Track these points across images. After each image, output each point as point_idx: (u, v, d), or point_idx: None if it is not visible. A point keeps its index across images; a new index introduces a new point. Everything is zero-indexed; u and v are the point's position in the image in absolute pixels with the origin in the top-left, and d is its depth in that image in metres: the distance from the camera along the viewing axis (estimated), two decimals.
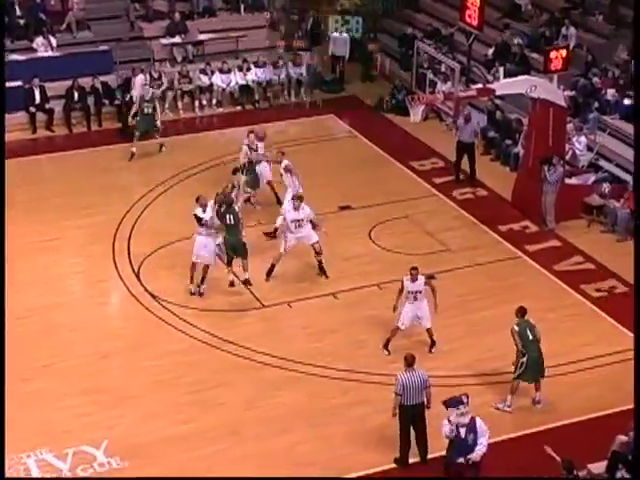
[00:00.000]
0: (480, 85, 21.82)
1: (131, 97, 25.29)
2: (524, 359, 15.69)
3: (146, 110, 23.81)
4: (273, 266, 19.16)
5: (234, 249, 18.44)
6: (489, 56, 26.79)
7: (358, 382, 16.54)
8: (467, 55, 26.49)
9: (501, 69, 25.67)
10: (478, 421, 13.83)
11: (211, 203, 18.50)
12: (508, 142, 24.21)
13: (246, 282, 18.56)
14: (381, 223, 21.23)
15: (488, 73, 26.10)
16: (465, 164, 23.23)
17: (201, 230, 18.50)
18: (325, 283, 19.28)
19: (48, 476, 14.70)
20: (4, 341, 16.15)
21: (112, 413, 15.80)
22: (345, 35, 28.59)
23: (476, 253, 20.34)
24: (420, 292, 17.02)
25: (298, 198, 19.11)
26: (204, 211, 18.44)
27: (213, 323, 17.97)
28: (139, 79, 25.52)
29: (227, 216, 18.16)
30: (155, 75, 26.28)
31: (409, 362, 14.63)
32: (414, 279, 16.98)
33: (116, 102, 25.90)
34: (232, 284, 18.68)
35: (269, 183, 21.49)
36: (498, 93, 22.03)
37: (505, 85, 21.83)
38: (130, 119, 24.30)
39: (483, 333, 17.75)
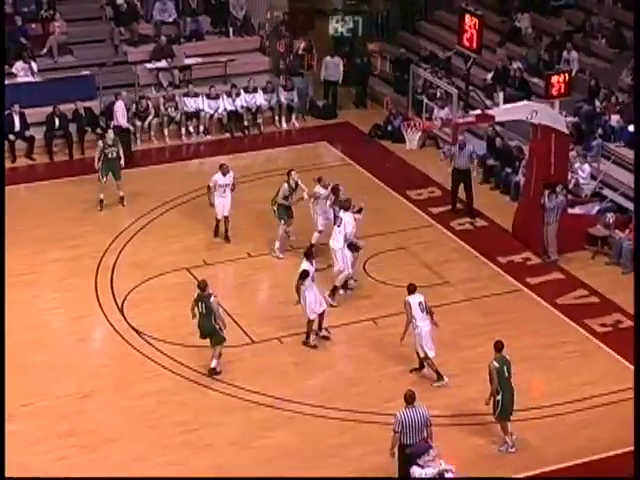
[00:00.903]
0: (479, 111, 21.92)
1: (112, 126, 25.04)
2: (499, 397, 15.67)
3: (110, 155, 22.88)
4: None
5: (206, 337, 17.73)
6: (488, 81, 26.92)
7: (354, 422, 16.50)
8: (465, 80, 26.63)
9: (501, 94, 25.80)
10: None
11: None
12: (508, 170, 24.26)
13: (212, 372, 17.53)
14: (376, 255, 21.25)
15: (487, 98, 26.23)
16: (462, 193, 23.27)
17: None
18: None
19: None
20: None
21: (93, 456, 15.71)
22: (338, 59, 28.72)
23: (475, 286, 20.36)
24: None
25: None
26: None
27: (201, 360, 17.91)
28: (119, 106, 25.50)
29: (199, 304, 17.44)
30: (142, 107, 26.29)
31: (409, 400, 14.64)
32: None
33: (98, 130, 25.89)
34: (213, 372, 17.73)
35: None
36: (498, 119, 22.12)
37: (505, 111, 21.92)
38: (95, 164, 23.04)
39: (478, 371, 17.66)
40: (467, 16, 25.42)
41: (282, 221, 21.05)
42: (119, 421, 16.50)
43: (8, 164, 25.24)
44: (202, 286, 17.48)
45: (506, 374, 15.68)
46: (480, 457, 15.82)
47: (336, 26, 30.32)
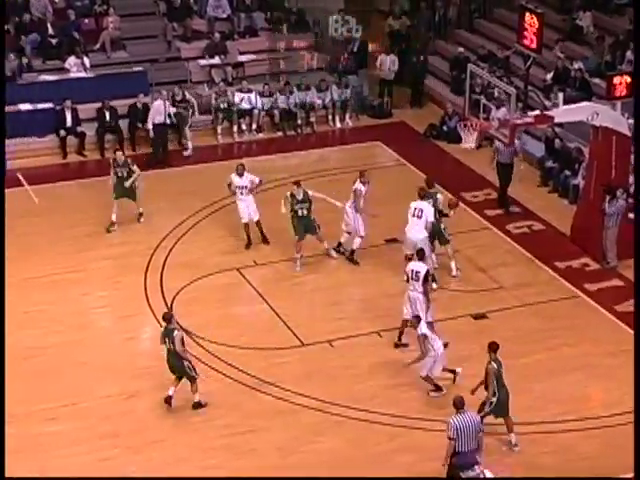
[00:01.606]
0: (538, 112, 21.56)
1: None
2: (494, 399, 15.56)
3: (120, 174, 22.00)
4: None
5: (173, 371, 17.03)
6: (548, 81, 26.55)
7: (404, 427, 16.25)
8: (524, 80, 26.23)
9: (560, 95, 25.33)
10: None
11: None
12: (567, 173, 23.92)
13: (196, 405, 16.66)
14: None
15: (546, 99, 25.83)
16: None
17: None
18: (369, 321, 19.06)
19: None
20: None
21: (136, 458, 15.61)
22: (393, 57, 28.49)
23: (531, 291, 20.02)
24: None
25: None
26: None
27: (249, 362, 17.76)
28: (157, 105, 25.21)
29: (167, 339, 16.61)
30: (178, 97, 25.94)
31: (458, 405, 14.44)
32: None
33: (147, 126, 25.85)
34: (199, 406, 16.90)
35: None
36: (557, 120, 21.79)
37: (565, 112, 21.54)
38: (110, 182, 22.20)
39: (533, 379, 17.40)
40: (527, 14, 25.02)
41: (296, 237, 20.60)
42: (164, 423, 16.38)
43: (59, 160, 25.23)
44: (167, 318, 16.58)
45: (502, 375, 15.60)
46: (535, 467, 15.50)
47: (392, 24, 30.12)
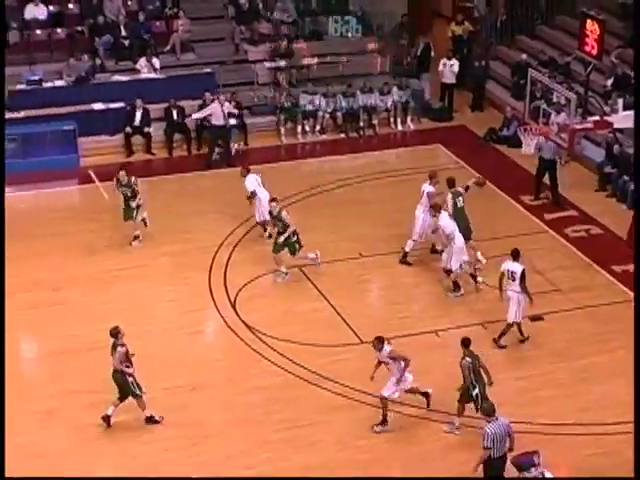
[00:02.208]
0: (597, 117, 21.32)
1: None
2: (476, 391, 15.60)
3: (123, 192, 20.98)
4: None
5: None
6: (608, 87, 26.23)
7: (459, 426, 16.15)
8: (584, 85, 25.95)
9: (620, 101, 25.01)
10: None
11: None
12: (626, 178, 23.61)
13: (149, 420, 16.18)
14: (488, 259, 20.80)
15: (606, 105, 25.52)
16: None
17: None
18: (426, 320, 18.98)
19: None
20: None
21: (198, 449, 15.67)
22: (454, 61, 28.35)
23: (588, 295, 19.79)
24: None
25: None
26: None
27: (310, 358, 17.76)
28: (215, 108, 24.90)
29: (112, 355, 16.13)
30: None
31: (489, 412, 14.33)
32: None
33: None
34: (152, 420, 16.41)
35: None
36: (616, 126, 21.50)
37: (624, 118, 21.25)
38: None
39: (590, 381, 17.22)
40: (588, 21, 24.75)
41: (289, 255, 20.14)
42: (225, 416, 16.42)
43: (122, 158, 25.35)
44: (113, 333, 15.94)
45: (478, 368, 15.65)
46: (590, 467, 15.30)
47: (455, 29, 29.97)
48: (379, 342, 16.09)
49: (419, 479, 15.23)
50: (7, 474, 13.93)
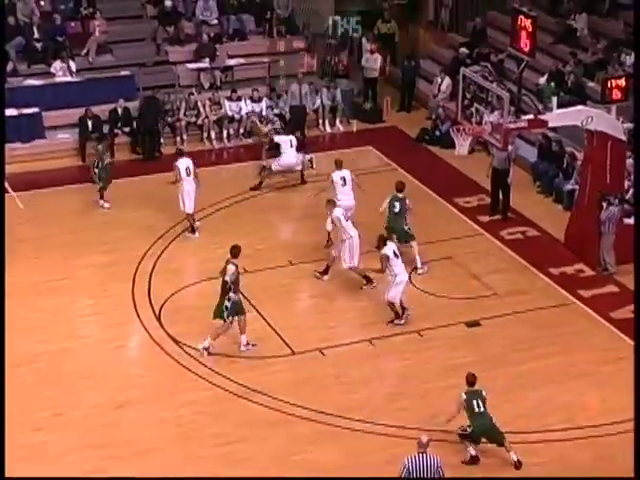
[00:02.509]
0: (531, 116, 21.71)
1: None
2: (469, 429, 15.67)
3: (106, 160, 23.46)
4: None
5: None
6: (541, 84, 26.70)
7: (397, 438, 16.32)
8: (517, 83, 26.40)
9: (554, 99, 25.52)
10: None
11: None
12: (561, 177, 24.05)
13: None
14: (422, 264, 21.09)
15: (540, 103, 26.00)
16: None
17: None
18: (360, 328, 19.18)
19: None
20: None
21: (126, 468, 15.66)
22: (377, 56, 28.66)
23: (525, 298, 20.14)
24: None
25: None
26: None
27: (239, 371, 17.87)
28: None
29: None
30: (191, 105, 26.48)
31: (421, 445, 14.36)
32: None
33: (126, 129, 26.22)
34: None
35: None
36: (551, 125, 21.91)
37: (559, 116, 21.67)
38: (91, 169, 23.53)
39: (527, 387, 17.54)
40: (520, 17, 25.20)
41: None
42: (155, 432, 16.46)
43: (35, 167, 25.12)
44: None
45: (476, 409, 15.61)
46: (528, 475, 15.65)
47: (381, 27, 30.32)
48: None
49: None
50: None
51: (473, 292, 20.29)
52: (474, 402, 15.66)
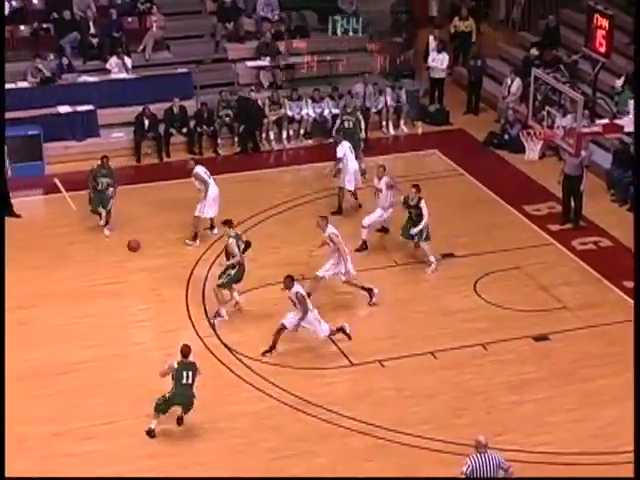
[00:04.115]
0: (607, 120, 21.51)
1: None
2: (168, 396, 16.39)
3: (100, 186, 22.48)
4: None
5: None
6: (617, 88, 26.45)
7: (458, 455, 16.22)
8: (592, 86, 26.18)
9: (631, 102, 25.25)
10: None
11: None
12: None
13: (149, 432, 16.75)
14: (488, 274, 20.99)
15: (615, 106, 25.75)
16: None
17: None
18: (422, 340, 19.11)
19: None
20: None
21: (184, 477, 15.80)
22: (444, 56, 28.59)
23: (597, 312, 19.98)
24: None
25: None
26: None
27: (295, 382, 17.90)
28: None
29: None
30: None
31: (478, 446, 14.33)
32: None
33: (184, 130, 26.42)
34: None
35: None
36: (627, 130, 21.68)
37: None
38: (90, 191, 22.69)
39: (599, 406, 17.39)
40: (596, 16, 24.99)
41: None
42: (206, 445, 16.52)
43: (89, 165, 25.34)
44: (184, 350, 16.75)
45: (184, 380, 16.32)
46: None
47: (458, 24, 30.26)
48: (290, 281, 18.16)
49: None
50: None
51: (542, 304, 20.15)
52: (184, 373, 16.28)
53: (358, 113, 25.39)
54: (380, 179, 21.88)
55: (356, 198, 23.52)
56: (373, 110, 27.54)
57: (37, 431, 16.59)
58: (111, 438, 16.55)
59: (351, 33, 29.18)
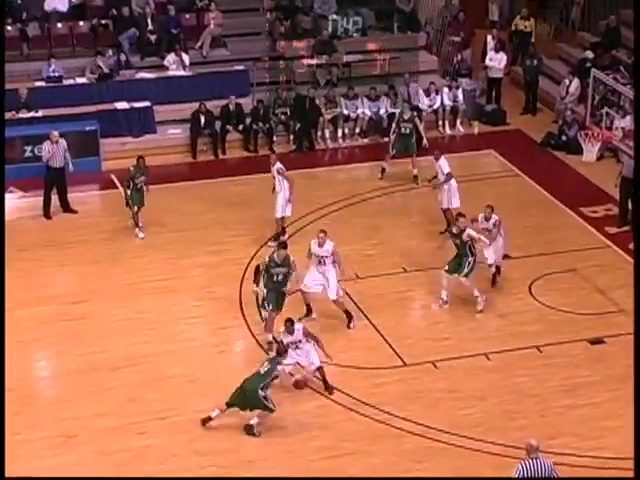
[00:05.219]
0: None
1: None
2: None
3: (139, 185, 22.26)
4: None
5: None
6: None
7: (512, 458, 16.14)
8: None
9: None
10: None
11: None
12: None
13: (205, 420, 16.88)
14: (544, 276, 20.88)
15: None
16: None
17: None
18: (476, 342, 19.05)
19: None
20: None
21: (231, 476, 15.81)
22: (502, 55, 28.47)
23: None
24: (327, 257, 18.68)
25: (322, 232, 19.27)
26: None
27: (347, 381, 17.89)
28: None
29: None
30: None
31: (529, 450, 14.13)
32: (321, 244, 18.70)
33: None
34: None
35: None
36: None
37: None
38: (123, 192, 22.56)
39: None
40: None
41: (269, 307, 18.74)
42: (259, 441, 16.55)
43: (148, 162, 25.45)
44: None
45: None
46: None
47: (519, 23, 30.13)
48: (290, 324, 17.28)
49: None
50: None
51: (598, 307, 20.00)
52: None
53: (416, 119, 25.16)
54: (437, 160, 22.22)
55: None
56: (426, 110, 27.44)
57: (91, 425, 16.71)
58: (164, 433, 16.63)
59: (409, 32, 29.19)
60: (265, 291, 18.57)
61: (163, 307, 20.01)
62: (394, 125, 24.93)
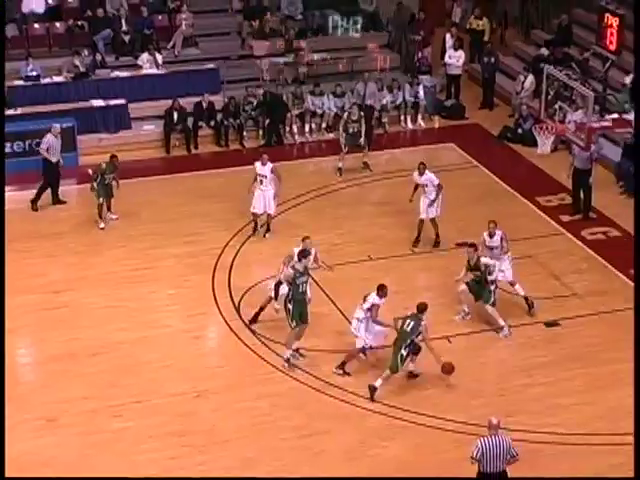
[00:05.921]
0: (616, 115, 21.51)
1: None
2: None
3: (107, 181, 22.28)
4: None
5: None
6: (627, 84, 26.39)
7: (472, 435, 16.27)
8: (603, 82, 26.16)
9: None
10: None
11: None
12: None
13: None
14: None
15: (626, 102, 25.70)
16: None
17: None
18: (437, 325, 19.12)
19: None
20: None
21: (204, 457, 15.87)
22: (460, 53, 28.58)
23: (605, 299, 19.96)
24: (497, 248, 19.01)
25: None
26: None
27: (316, 364, 17.98)
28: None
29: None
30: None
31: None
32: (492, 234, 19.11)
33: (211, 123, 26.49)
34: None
35: None
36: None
37: None
38: (91, 182, 22.34)
39: (606, 389, 17.41)
40: (607, 15, 24.98)
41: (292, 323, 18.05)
42: (232, 423, 16.64)
43: (121, 157, 25.37)
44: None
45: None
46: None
47: (472, 22, 30.18)
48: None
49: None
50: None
51: (553, 292, 20.16)
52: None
53: (362, 120, 24.89)
54: (422, 175, 21.26)
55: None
56: (391, 105, 27.51)
57: (71, 409, 16.74)
58: (141, 416, 16.68)
59: (372, 31, 29.28)
60: (290, 306, 17.84)
61: (140, 295, 20.03)
62: (342, 125, 24.83)
